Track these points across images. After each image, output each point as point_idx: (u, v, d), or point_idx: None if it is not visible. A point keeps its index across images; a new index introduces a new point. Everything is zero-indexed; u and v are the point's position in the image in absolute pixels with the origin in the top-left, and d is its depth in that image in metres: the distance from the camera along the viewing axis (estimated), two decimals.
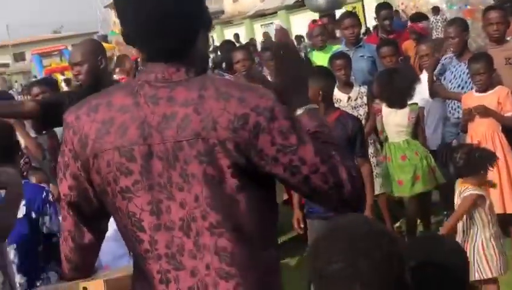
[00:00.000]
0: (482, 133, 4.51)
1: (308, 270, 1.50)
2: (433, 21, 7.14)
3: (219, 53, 7.69)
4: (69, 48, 29.72)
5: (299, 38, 15.94)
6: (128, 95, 1.62)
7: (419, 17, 6.61)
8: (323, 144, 1.65)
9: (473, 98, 4.59)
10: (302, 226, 4.09)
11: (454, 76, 4.99)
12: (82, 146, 1.63)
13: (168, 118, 1.57)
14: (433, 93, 5.16)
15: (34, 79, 18.10)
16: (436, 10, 9.22)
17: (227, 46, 8.09)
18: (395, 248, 1.40)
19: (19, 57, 49.62)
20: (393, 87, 4.75)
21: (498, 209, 4.34)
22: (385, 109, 4.92)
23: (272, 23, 26.90)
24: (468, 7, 8.89)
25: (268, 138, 1.55)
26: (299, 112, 1.75)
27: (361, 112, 5.12)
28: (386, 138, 5.00)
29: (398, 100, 4.80)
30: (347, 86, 5.17)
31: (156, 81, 1.61)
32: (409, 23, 6.52)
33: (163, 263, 1.60)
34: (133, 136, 1.58)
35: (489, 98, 4.52)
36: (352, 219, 1.54)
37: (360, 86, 5.27)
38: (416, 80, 4.94)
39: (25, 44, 48.33)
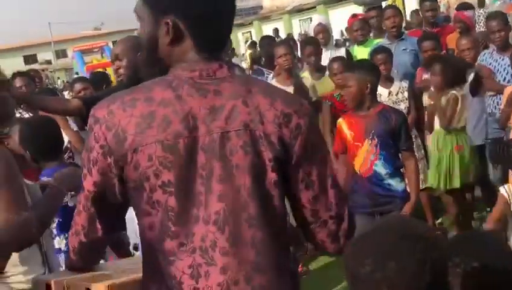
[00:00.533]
0: None
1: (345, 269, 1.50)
2: (477, 14, 6.97)
3: (258, 48, 7.66)
4: (110, 44, 30.14)
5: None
6: (167, 89, 1.62)
7: (465, 6, 6.50)
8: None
9: None
10: None
11: (498, 70, 4.90)
12: (118, 141, 1.61)
13: (216, 110, 1.60)
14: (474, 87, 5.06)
15: (75, 76, 18.44)
16: (481, 3, 9.00)
17: (267, 41, 8.07)
18: (431, 255, 1.38)
19: (61, 54, 50.46)
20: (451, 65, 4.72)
21: None
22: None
23: (310, 18, 26.78)
24: (511, 2, 8.70)
25: (303, 143, 1.64)
26: None
27: (402, 107, 5.06)
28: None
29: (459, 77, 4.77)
30: (388, 80, 5.13)
31: (201, 78, 1.63)
32: (455, 12, 6.40)
33: (196, 257, 1.59)
34: (178, 129, 1.58)
35: None
36: (392, 221, 1.53)
37: (401, 80, 5.21)
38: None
39: (67, 41, 49.11)
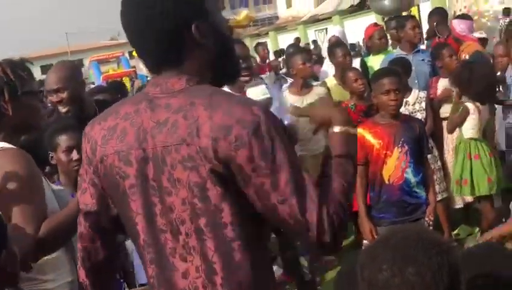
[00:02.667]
0: None
1: (358, 278, 1.49)
2: (501, 24, 6.88)
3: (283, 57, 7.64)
4: (126, 54, 30.33)
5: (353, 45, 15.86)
6: (133, 104, 1.69)
7: (463, 17, 6.47)
8: (325, 178, 1.62)
9: None
10: (376, 236, 3.86)
11: None
12: (92, 152, 1.73)
13: (161, 124, 1.61)
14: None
15: (92, 85, 18.55)
16: (507, 12, 8.78)
17: (292, 49, 8.06)
18: (447, 259, 1.38)
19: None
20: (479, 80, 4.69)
21: None
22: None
23: (326, 28, 26.79)
24: None
25: (247, 154, 1.53)
26: (337, 129, 1.73)
27: (419, 117, 5.05)
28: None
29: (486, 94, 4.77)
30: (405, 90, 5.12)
31: (162, 93, 1.65)
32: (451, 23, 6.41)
33: (156, 266, 1.66)
34: (131, 141, 1.65)
35: None
36: (407, 228, 1.53)
37: (418, 90, 5.20)
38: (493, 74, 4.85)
39: (83, 51, 49.55)
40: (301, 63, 5.44)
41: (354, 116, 4.97)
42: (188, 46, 1.65)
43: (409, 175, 3.82)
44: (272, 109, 4.02)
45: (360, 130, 3.91)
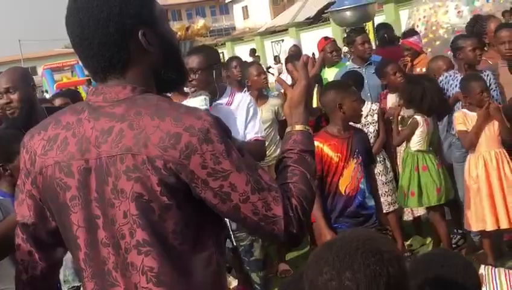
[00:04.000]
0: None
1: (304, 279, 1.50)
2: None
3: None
4: (80, 62, 29.84)
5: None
6: (74, 114, 1.65)
7: (410, 32, 6.60)
8: (287, 174, 1.64)
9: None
10: None
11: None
12: (31, 163, 1.68)
13: (105, 133, 1.57)
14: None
15: (45, 94, 18.24)
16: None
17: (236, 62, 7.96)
18: (388, 269, 1.38)
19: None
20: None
21: (491, 226, 4.40)
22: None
23: (282, 40, 27.00)
24: None
25: (199, 160, 1.51)
26: (299, 127, 1.76)
27: (371, 130, 5.13)
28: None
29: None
30: None
31: (105, 101, 1.61)
32: (401, 41, 6.51)
33: (98, 281, 1.61)
34: (72, 151, 1.60)
35: None
36: (356, 233, 1.54)
37: (371, 103, 5.28)
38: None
39: (37, 59, 48.73)
40: (256, 74, 5.47)
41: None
42: (133, 53, 1.62)
43: (363, 185, 3.88)
44: None
45: (317, 143, 3.91)
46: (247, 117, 3.71)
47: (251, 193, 1.54)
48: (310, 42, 17.68)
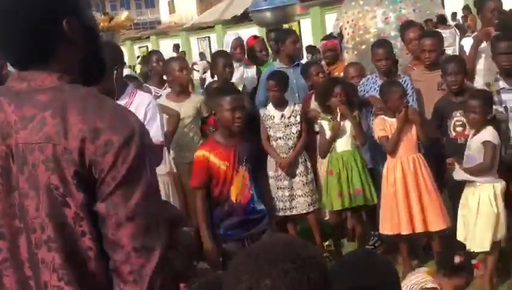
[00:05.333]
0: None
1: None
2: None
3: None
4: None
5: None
6: None
7: (332, 36, 6.72)
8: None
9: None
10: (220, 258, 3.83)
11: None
12: None
13: (25, 120, 1.52)
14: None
15: None
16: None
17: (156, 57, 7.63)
18: (308, 275, 1.36)
19: None
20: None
21: (406, 230, 4.52)
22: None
23: (208, 37, 26.90)
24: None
25: (112, 160, 1.48)
26: None
27: (294, 130, 5.17)
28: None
29: None
30: (281, 103, 5.21)
31: (29, 88, 1.56)
32: (322, 43, 6.59)
33: (26, 270, 1.55)
34: None
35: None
36: (275, 239, 1.52)
37: (294, 104, 5.29)
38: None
39: None
40: (178, 69, 5.38)
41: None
42: (57, 42, 1.57)
43: (253, 191, 3.88)
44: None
45: (203, 152, 3.85)
46: (144, 120, 3.59)
47: (137, 215, 1.49)
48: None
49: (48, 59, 1.57)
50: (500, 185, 4.22)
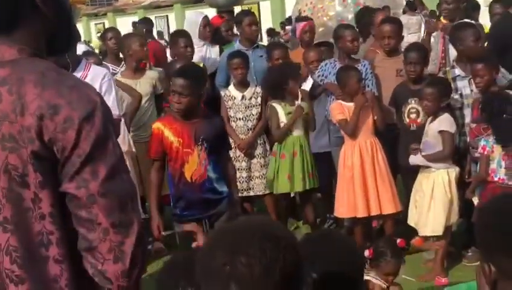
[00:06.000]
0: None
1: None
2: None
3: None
4: None
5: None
6: None
7: (289, 19, 6.76)
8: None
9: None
10: (162, 233, 4.00)
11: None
12: None
13: None
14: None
15: None
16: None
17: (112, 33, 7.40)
18: (284, 254, 1.35)
19: None
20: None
21: (362, 213, 4.60)
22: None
23: (166, 16, 26.55)
24: None
25: (74, 137, 1.42)
26: None
27: (254, 112, 5.18)
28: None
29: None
30: (243, 84, 5.20)
31: None
32: (299, 24, 6.58)
33: None
34: None
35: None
36: (252, 220, 1.51)
37: (256, 86, 5.28)
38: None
39: None
40: (138, 45, 5.29)
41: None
42: (24, 12, 1.50)
43: (210, 173, 3.86)
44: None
45: (159, 125, 3.91)
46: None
47: (108, 190, 1.44)
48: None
49: (10, 28, 1.49)
50: (454, 171, 4.32)
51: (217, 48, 6.28)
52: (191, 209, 3.87)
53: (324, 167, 5.17)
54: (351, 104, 4.68)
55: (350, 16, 6.49)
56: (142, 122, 5.21)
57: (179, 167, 3.82)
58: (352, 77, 4.66)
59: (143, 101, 5.19)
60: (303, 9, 6.92)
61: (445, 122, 4.31)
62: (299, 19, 6.46)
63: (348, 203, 4.66)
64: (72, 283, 1.50)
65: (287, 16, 8.33)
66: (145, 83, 5.28)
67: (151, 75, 5.44)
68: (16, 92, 1.42)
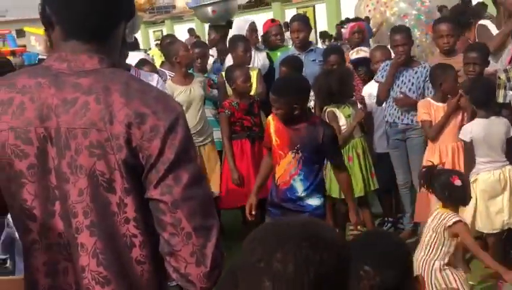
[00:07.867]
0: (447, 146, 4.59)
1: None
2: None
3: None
4: (13, 32, 28.79)
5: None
6: (31, 77, 1.54)
7: (347, 21, 6.70)
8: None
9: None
10: (253, 213, 3.92)
11: (403, 81, 5.02)
12: None
13: (67, 103, 1.49)
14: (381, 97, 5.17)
15: None
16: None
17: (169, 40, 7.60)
18: (321, 254, 1.30)
19: None
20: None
21: None
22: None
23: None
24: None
25: (159, 145, 1.47)
26: None
27: None
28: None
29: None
30: None
31: (69, 69, 1.53)
32: (352, 24, 6.53)
33: (52, 254, 1.55)
34: (31, 117, 1.51)
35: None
36: (297, 218, 1.50)
37: None
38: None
39: None
40: (184, 50, 5.36)
41: (238, 115, 5.09)
42: (116, 26, 1.60)
43: (297, 183, 3.70)
44: None
45: (270, 117, 3.88)
46: None
47: (193, 197, 1.50)
48: (259, 24, 17.66)
49: (102, 39, 1.57)
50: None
51: (264, 53, 6.32)
52: (274, 207, 3.83)
53: (385, 168, 5.12)
54: (440, 105, 4.56)
55: (414, 13, 6.42)
56: (201, 126, 5.30)
57: (274, 164, 3.83)
58: (450, 76, 4.50)
59: (197, 105, 5.28)
60: (366, 4, 6.90)
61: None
62: (349, 20, 6.48)
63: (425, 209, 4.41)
64: (150, 283, 1.57)
65: (342, 19, 8.22)
66: (198, 87, 5.35)
67: (200, 78, 5.52)
68: (103, 101, 1.47)
